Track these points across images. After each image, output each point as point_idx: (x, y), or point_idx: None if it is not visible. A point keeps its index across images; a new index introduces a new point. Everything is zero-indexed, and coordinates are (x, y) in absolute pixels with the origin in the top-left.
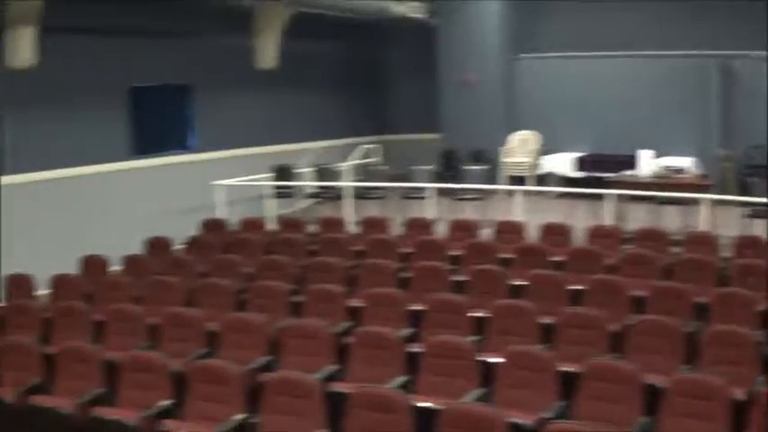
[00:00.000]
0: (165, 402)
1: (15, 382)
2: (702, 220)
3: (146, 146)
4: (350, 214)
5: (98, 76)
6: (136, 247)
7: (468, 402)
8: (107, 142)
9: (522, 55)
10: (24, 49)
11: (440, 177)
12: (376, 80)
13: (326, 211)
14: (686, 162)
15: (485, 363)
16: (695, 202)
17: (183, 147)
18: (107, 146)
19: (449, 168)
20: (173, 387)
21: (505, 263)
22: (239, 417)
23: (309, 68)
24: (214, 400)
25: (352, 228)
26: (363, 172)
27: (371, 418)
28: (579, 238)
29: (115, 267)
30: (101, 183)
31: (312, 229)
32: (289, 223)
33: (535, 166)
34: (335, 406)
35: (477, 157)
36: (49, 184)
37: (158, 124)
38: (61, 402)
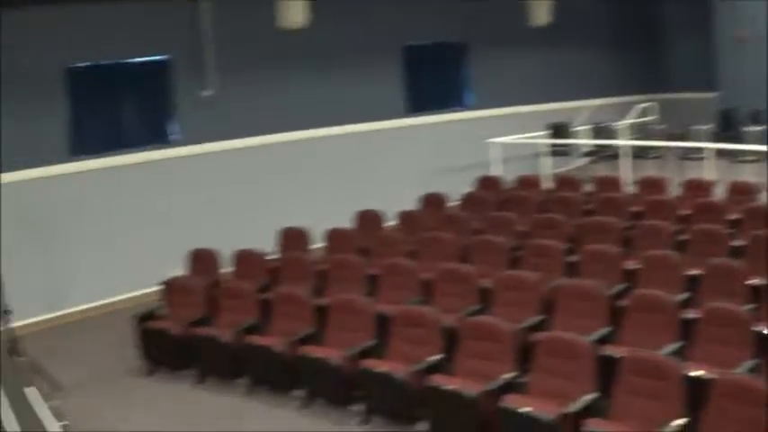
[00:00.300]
0: (435, 357)
1: (287, 332)
2: None
3: (421, 104)
4: (626, 174)
5: (372, 35)
6: (411, 203)
7: (742, 374)
8: (382, 100)
9: None
10: (296, 9)
11: (718, 138)
12: (651, 36)
13: (602, 170)
14: None
15: (759, 333)
16: None
17: (458, 104)
18: (382, 104)
19: (727, 129)
20: (443, 342)
21: None
22: (509, 375)
23: (583, 25)
24: (484, 357)
25: (628, 188)
26: (639, 131)
27: (642, 384)
28: None
29: (390, 222)
30: (377, 140)
31: (588, 188)
32: (564, 182)
33: None
34: (606, 369)
35: (756, 118)
36: (327, 141)
37: (433, 82)
38: (331, 353)
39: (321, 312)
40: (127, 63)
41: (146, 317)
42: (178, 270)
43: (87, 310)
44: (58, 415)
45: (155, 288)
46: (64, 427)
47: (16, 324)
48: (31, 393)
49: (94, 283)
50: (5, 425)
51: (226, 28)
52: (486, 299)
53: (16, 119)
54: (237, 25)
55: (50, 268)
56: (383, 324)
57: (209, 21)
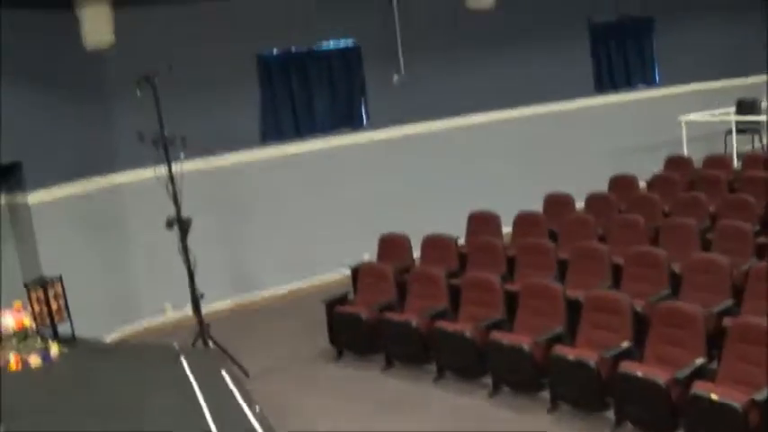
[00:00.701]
0: (626, 344)
1: (477, 318)
2: None
3: (609, 82)
4: None
5: (558, 13)
6: (600, 184)
7: None
8: (570, 80)
9: None
10: None
11: None
12: None
13: None
14: None
15: None
16: None
17: (644, 82)
18: (571, 83)
19: None
20: (634, 328)
21: None
22: (699, 361)
23: None
24: (675, 343)
25: None
26: None
27: None
28: None
29: (579, 204)
30: (565, 120)
31: None
32: (753, 160)
33: None
34: None
35: None
36: (515, 122)
37: (620, 59)
38: (521, 340)
39: (511, 298)
40: (317, 50)
41: (335, 302)
42: (367, 255)
43: (275, 295)
44: (249, 399)
45: (343, 273)
46: (256, 410)
47: (205, 309)
48: (222, 378)
49: (282, 268)
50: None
51: (414, 11)
52: (676, 282)
53: (212, 106)
54: (426, 8)
55: (239, 253)
56: (573, 309)
57: (396, 4)
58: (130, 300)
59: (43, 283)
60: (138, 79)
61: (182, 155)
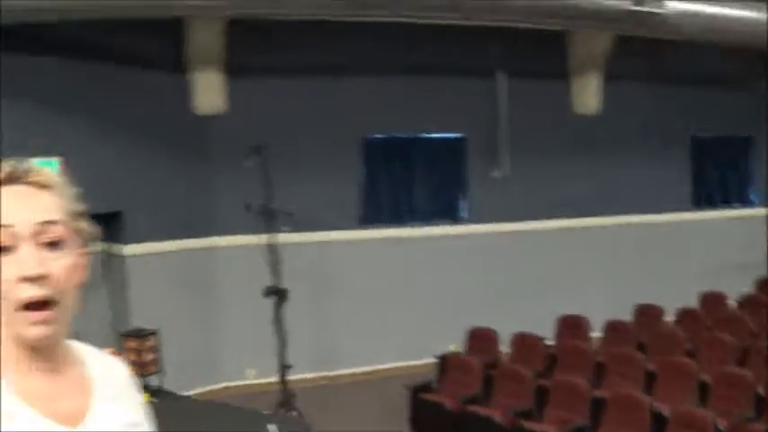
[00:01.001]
0: None
1: (560, 421)
2: None
3: (705, 198)
4: None
5: (661, 124)
6: (692, 300)
7: None
8: (670, 192)
9: None
10: (590, 95)
11: None
12: None
13: None
14: None
15: None
16: None
17: (741, 201)
18: (671, 195)
19: None
20: None
21: None
22: None
23: None
24: None
25: None
26: None
27: None
28: None
29: (669, 318)
30: (660, 232)
31: None
32: None
33: None
34: None
35: None
36: (609, 230)
37: (718, 176)
38: None
39: (597, 404)
40: (422, 137)
41: (420, 388)
42: (452, 346)
43: (357, 372)
44: None
45: (425, 360)
46: None
47: (289, 378)
48: None
49: (368, 348)
50: None
51: (521, 110)
52: (761, 406)
53: (314, 182)
54: (533, 108)
55: (327, 328)
56: (657, 422)
57: (505, 102)
58: (213, 360)
59: (140, 334)
60: (248, 150)
61: (285, 228)
